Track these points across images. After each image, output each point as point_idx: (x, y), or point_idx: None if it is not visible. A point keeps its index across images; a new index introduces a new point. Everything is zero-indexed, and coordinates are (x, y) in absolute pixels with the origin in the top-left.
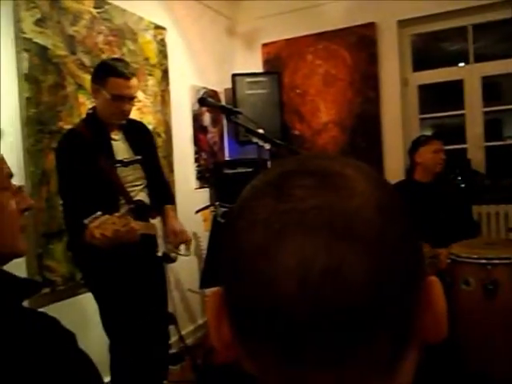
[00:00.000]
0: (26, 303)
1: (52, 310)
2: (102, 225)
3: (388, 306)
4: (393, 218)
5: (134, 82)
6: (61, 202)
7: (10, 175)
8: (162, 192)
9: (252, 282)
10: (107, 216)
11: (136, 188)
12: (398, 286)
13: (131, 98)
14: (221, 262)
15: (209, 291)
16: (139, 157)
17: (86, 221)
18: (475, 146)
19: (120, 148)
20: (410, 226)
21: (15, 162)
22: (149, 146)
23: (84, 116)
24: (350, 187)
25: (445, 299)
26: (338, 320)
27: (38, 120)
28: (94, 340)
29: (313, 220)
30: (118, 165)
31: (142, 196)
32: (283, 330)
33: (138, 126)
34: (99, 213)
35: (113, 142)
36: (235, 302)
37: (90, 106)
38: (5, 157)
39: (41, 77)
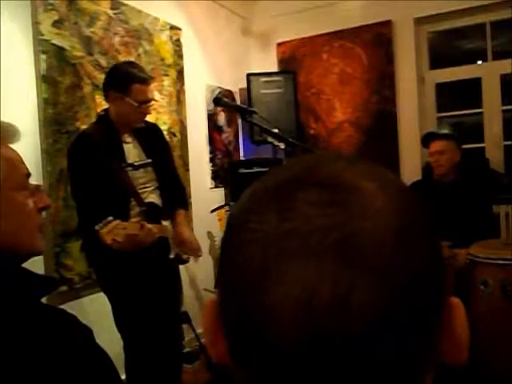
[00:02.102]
0: (43, 300)
1: (69, 307)
2: (113, 230)
3: (403, 338)
4: (412, 242)
5: (152, 85)
6: None
7: (28, 175)
8: (175, 195)
9: (248, 308)
10: (118, 221)
11: (146, 190)
12: (413, 317)
13: (151, 101)
14: (218, 274)
15: (210, 297)
16: (149, 160)
17: (96, 227)
18: (494, 145)
19: (131, 151)
20: (433, 248)
21: (33, 161)
22: (161, 148)
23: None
24: (363, 204)
25: (467, 324)
26: (344, 354)
27: (55, 120)
28: (110, 337)
29: (318, 243)
30: (129, 168)
31: (153, 198)
32: (281, 362)
33: (151, 128)
34: (110, 218)
35: (124, 145)
36: (229, 323)
37: (102, 109)
38: (23, 156)
39: (58, 78)
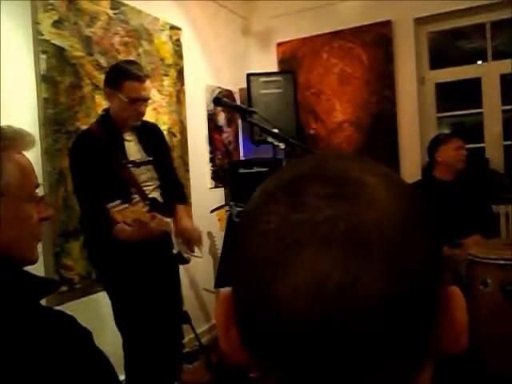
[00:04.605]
0: (43, 301)
1: (69, 308)
2: (123, 211)
3: (406, 323)
4: (414, 233)
5: (148, 83)
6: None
7: (37, 185)
8: (175, 191)
9: (261, 296)
10: (126, 205)
11: (148, 188)
12: (416, 303)
13: (146, 100)
14: (231, 268)
15: (224, 290)
16: (150, 158)
17: (109, 206)
18: (494, 145)
19: (133, 149)
20: (433, 239)
21: (33, 161)
22: (161, 147)
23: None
24: (369, 197)
25: (466, 310)
26: (351, 339)
27: (55, 120)
28: (110, 338)
29: (327, 233)
30: (130, 165)
31: (155, 195)
32: (293, 348)
33: (151, 128)
34: (119, 201)
35: (126, 143)
36: (243, 315)
37: (105, 107)
38: None
39: (58, 78)
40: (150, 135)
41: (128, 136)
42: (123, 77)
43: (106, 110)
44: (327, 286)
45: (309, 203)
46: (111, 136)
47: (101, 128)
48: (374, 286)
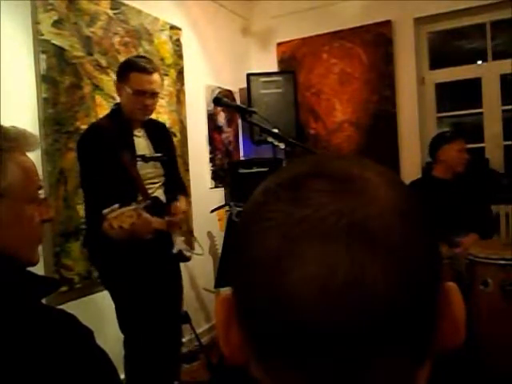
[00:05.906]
0: (43, 301)
1: (69, 307)
2: (119, 216)
3: (410, 314)
4: (414, 225)
5: (155, 77)
6: (79, 201)
7: (39, 187)
8: (176, 187)
9: (269, 293)
10: (125, 208)
11: (154, 185)
12: (419, 294)
13: (153, 94)
14: (232, 269)
15: (223, 290)
16: (160, 154)
17: (104, 211)
18: (494, 145)
19: (142, 145)
20: (430, 232)
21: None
22: (168, 146)
23: (104, 114)
24: (370, 192)
25: (463, 305)
26: (361, 329)
27: (55, 120)
28: (110, 337)
29: (332, 226)
30: (139, 159)
31: (159, 193)
32: (304, 343)
33: (159, 126)
34: (117, 205)
35: (135, 138)
36: (248, 313)
37: (115, 103)
38: None
39: (58, 77)
40: (157, 133)
41: (137, 132)
42: (129, 68)
43: (117, 105)
44: (336, 278)
45: (312, 198)
46: (121, 130)
47: (111, 122)
48: (381, 277)
